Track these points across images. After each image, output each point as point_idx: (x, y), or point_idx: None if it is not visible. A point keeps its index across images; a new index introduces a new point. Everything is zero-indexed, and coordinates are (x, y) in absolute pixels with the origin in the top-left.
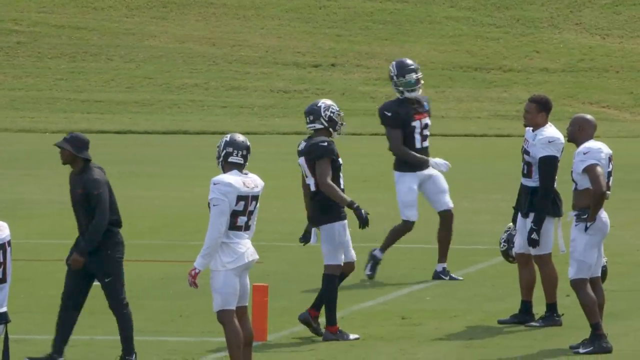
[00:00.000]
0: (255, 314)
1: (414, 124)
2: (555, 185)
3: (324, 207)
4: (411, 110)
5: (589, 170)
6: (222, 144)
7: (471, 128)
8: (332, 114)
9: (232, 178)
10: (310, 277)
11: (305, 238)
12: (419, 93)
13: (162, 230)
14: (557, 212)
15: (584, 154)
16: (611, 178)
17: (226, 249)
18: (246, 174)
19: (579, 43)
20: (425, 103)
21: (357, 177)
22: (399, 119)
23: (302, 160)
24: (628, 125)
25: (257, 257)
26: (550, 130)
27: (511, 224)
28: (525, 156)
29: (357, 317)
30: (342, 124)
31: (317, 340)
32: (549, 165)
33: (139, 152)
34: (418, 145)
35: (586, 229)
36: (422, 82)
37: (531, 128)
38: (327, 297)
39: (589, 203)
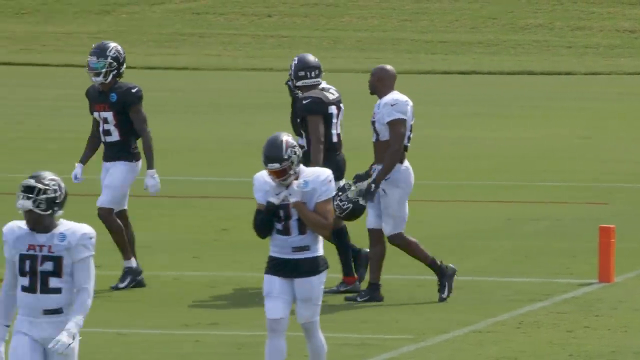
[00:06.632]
0: (602, 255)
1: (95, 114)
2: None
3: None
4: (94, 97)
5: (394, 125)
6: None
7: None
8: None
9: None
10: None
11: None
12: (98, 80)
13: (507, 171)
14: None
15: (392, 105)
16: (412, 131)
17: None
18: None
19: None
20: (113, 94)
21: None
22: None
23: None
24: None
25: None
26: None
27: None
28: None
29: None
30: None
31: None
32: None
33: (482, 93)
34: (102, 138)
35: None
36: (95, 68)
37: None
38: None
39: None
